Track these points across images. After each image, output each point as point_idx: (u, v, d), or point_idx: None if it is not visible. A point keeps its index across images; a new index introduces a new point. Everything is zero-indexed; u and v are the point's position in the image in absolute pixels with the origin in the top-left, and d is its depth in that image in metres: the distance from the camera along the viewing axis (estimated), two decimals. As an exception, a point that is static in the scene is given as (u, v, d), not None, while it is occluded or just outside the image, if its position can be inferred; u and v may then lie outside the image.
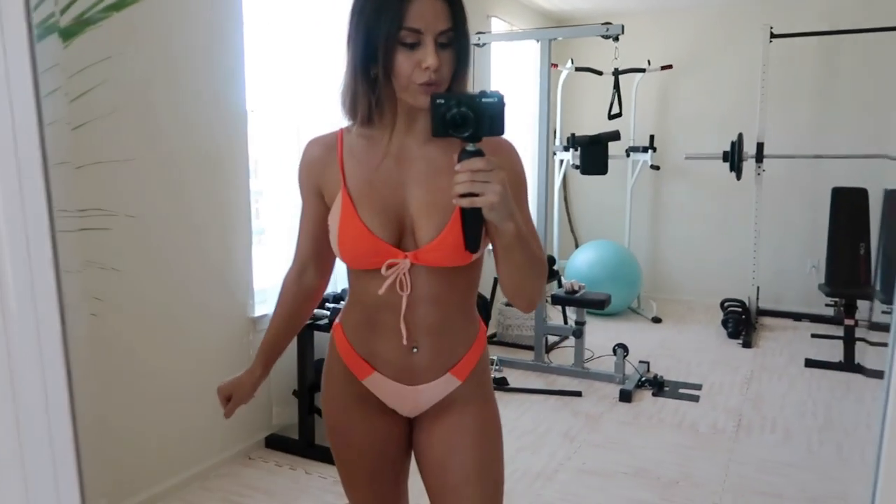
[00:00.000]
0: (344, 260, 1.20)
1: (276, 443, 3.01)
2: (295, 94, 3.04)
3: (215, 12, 2.68)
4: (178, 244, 2.62)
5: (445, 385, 1.27)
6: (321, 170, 1.22)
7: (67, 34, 1.32)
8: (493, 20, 4.89)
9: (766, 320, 5.21)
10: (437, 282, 1.19)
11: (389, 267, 1.16)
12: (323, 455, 2.87)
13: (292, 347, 3.00)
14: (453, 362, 1.26)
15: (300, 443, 2.95)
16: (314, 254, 1.32)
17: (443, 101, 1.03)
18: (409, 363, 1.24)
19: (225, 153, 2.79)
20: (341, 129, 1.24)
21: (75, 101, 1.61)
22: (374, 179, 1.18)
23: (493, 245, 1.15)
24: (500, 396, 3.90)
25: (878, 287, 4.32)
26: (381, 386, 1.27)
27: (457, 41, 1.12)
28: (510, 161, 1.19)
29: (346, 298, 1.31)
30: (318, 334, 2.97)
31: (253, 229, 2.97)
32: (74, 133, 1.64)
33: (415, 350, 1.22)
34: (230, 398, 1.42)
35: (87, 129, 1.74)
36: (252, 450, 2.98)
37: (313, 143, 1.25)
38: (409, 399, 1.28)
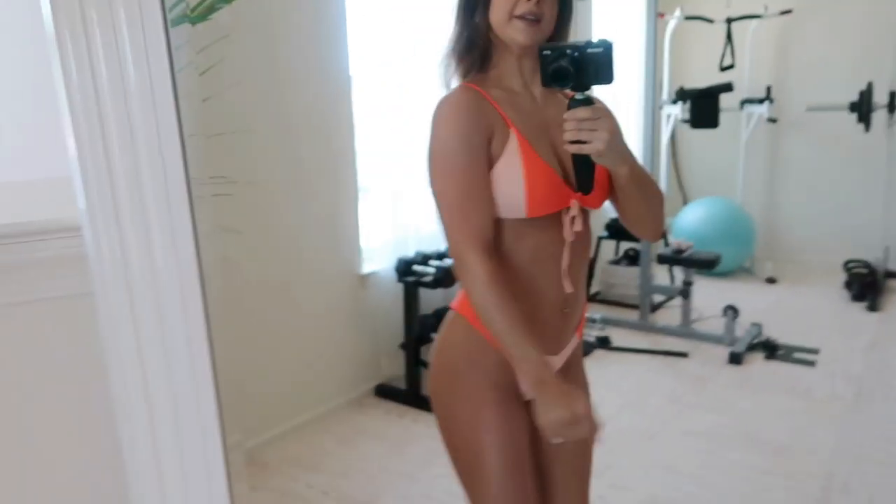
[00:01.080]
0: (530, 205, 1.10)
1: (385, 392, 3.17)
2: (397, 60, 3.09)
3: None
4: (292, 206, 2.78)
5: (573, 346, 1.27)
6: (488, 119, 1.11)
7: (194, 20, 1.43)
8: (597, -30, 4.71)
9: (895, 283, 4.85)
10: (585, 229, 1.19)
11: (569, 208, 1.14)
12: (429, 405, 2.97)
13: (398, 302, 3.13)
14: (580, 319, 1.27)
15: (408, 393, 3.09)
16: (485, 226, 1.11)
17: (549, 53, 1.04)
18: (561, 327, 1.21)
19: (331, 117, 2.90)
20: (469, 83, 1.15)
21: (201, 77, 1.73)
22: (530, 124, 1.14)
23: (612, 186, 1.16)
24: (602, 355, 3.91)
25: None
26: None
27: None
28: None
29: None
30: (422, 290, 3.08)
31: (359, 185, 3.10)
32: (203, 105, 1.78)
33: (566, 311, 1.20)
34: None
35: (208, 103, 1.88)
36: (363, 397, 3.16)
37: (465, 94, 1.12)
38: (555, 369, 1.17)
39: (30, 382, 1.05)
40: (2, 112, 1.40)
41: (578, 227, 1.15)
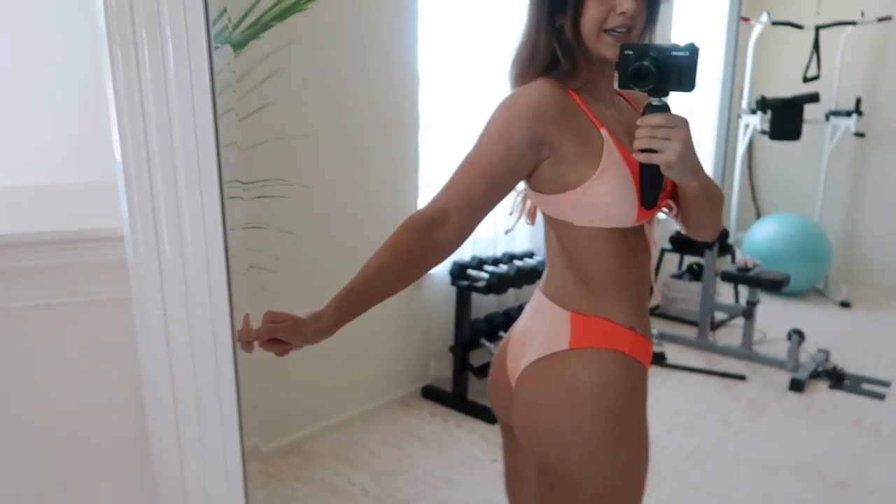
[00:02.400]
0: (640, 210, 1.08)
1: (431, 394, 3.20)
2: (467, 61, 3.09)
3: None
4: (351, 207, 2.83)
5: None
6: (558, 119, 1.06)
7: (237, 46, 1.48)
8: (680, -28, 4.57)
9: None
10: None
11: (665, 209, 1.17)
12: (473, 411, 3.01)
13: (450, 305, 3.14)
14: None
15: (454, 396, 3.11)
16: (474, 205, 1.09)
17: (631, 53, 1.01)
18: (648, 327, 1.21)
19: (396, 114, 2.94)
20: (554, 82, 1.10)
21: (263, 84, 1.78)
22: (617, 128, 1.11)
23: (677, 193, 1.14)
24: (656, 372, 3.81)
25: None
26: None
27: None
28: None
29: (579, 283, 1.14)
30: (475, 295, 3.08)
31: (420, 183, 3.12)
32: (262, 112, 1.83)
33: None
34: (274, 322, 1.08)
35: (270, 109, 1.93)
36: (410, 397, 3.20)
37: (542, 92, 1.08)
38: None
39: (67, 381, 1.12)
40: (53, 119, 1.49)
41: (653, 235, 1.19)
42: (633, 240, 1.14)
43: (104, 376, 1.11)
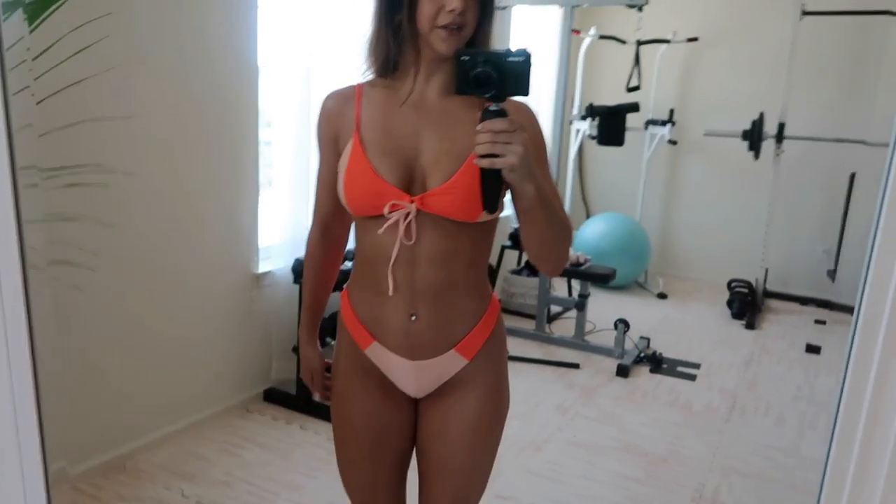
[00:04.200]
0: (349, 204, 1.18)
1: (274, 396, 3.08)
2: (308, 50, 3.01)
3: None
4: (182, 199, 2.64)
5: (449, 363, 1.23)
6: (339, 120, 1.21)
7: (32, 17, 1.33)
8: (517, -18, 4.78)
9: (773, 303, 5.19)
10: (443, 237, 1.16)
11: (392, 210, 1.14)
12: (318, 412, 2.93)
13: (293, 304, 3.05)
14: (458, 338, 1.22)
15: (297, 398, 3.01)
16: (335, 208, 1.27)
17: (468, 58, 1.02)
18: (409, 333, 1.20)
19: (234, 107, 2.78)
20: (360, 84, 1.23)
21: (74, 58, 1.61)
22: (388, 125, 1.17)
23: (515, 207, 1.12)
24: (499, 363, 3.95)
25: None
26: (382, 358, 1.24)
27: None
28: (531, 124, 1.18)
29: (353, 263, 1.28)
30: (319, 294, 3.00)
31: (261, 180, 2.99)
32: (74, 88, 1.65)
33: (413, 318, 1.19)
34: (313, 378, 1.43)
35: (85, 84, 1.74)
36: (251, 402, 3.05)
37: (331, 96, 1.24)
38: (411, 376, 1.24)
39: None
40: None
41: (412, 232, 1.14)
42: (376, 233, 1.17)
43: None
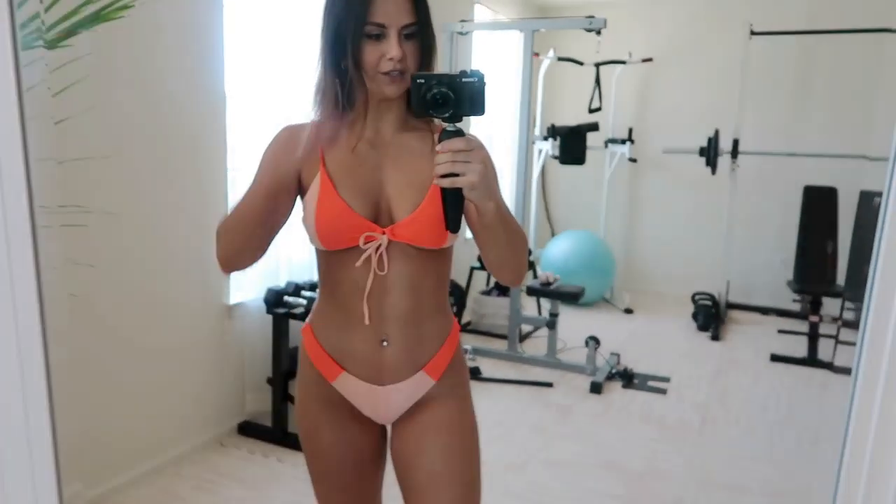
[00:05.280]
0: (321, 239, 1.18)
1: (249, 430, 3.02)
2: (273, 81, 3.00)
3: (195, 10, 2.64)
4: (154, 235, 2.60)
5: (418, 385, 1.26)
6: (294, 152, 1.20)
7: (51, 45, 1.30)
8: (477, 7, 4.86)
9: (735, 314, 5.32)
10: (411, 265, 1.20)
11: (367, 241, 1.17)
12: (296, 443, 2.88)
13: (266, 335, 3.00)
14: (426, 359, 1.26)
15: (273, 430, 2.96)
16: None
17: (423, 81, 1.04)
18: (380, 359, 1.23)
19: (203, 138, 2.76)
20: (314, 121, 1.23)
21: (55, 98, 1.58)
22: (350, 163, 1.20)
23: (472, 227, 1.16)
24: (472, 386, 3.93)
25: (843, 285, 4.43)
26: (351, 388, 1.26)
27: (420, 33, 1.16)
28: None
29: (318, 296, 1.30)
30: (293, 322, 2.97)
31: (229, 207, 2.94)
32: (57, 128, 1.61)
33: (384, 343, 1.22)
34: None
35: (64, 126, 1.71)
36: (225, 436, 2.99)
37: (289, 128, 1.24)
38: (382, 402, 1.26)
39: None
40: None
41: (385, 262, 1.18)
42: (349, 265, 1.20)
43: None
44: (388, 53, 1.12)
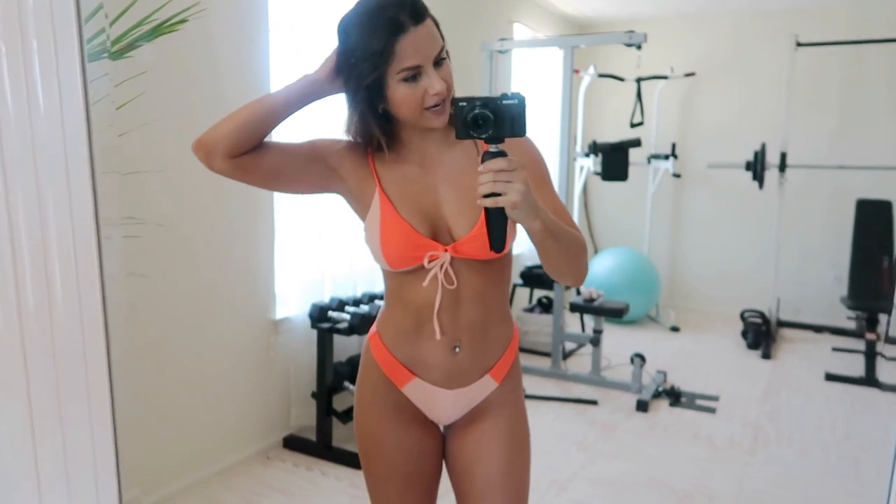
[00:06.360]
0: (387, 260, 1.21)
1: (293, 443, 3.05)
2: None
3: (243, 25, 2.74)
4: (203, 250, 2.68)
5: (482, 388, 1.30)
6: (356, 168, 1.23)
7: (115, 56, 1.37)
8: (516, 25, 4.90)
9: (787, 332, 5.16)
10: (477, 276, 1.24)
11: (431, 260, 1.20)
12: (339, 458, 2.91)
13: (311, 349, 3.04)
14: (491, 363, 1.30)
15: (317, 444, 2.99)
16: (260, 151, 1.19)
17: (465, 104, 1.06)
18: (451, 364, 1.27)
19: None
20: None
21: (115, 113, 1.65)
22: (404, 185, 1.23)
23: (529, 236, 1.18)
24: (515, 402, 3.91)
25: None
26: (421, 392, 1.29)
27: (445, 52, 1.17)
28: (529, 155, 1.24)
29: (384, 306, 1.32)
30: (337, 337, 3.01)
31: (276, 224, 3.01)
32: (114, 143, 1.68)
33: (457, 350, 1.26)
34: None
35: (123, 140, 1.79)
36: (270, 449, 3.03)
37: (351, 143, 1.24)
38: (448, 404, 1.30)
39: None
40: None
41: (452, 277, 1.22)
42: (419, 284, 1.22)
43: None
44: (430, 89, 1.12)
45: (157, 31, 1.34)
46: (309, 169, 1.23)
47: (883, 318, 4.29)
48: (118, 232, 1.63)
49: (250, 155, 1.18)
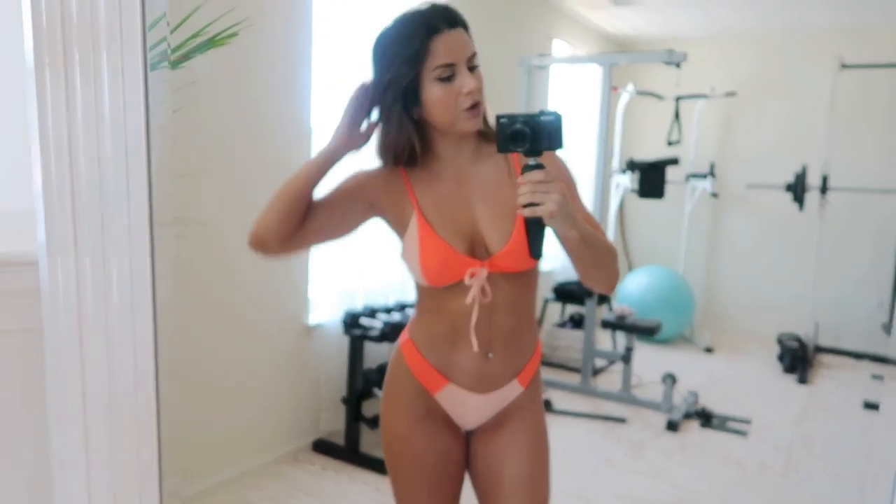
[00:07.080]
0: (427, 278, 1.26)
1: (322, 447, 3.10)
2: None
3: (287, 36, 2.83)
4: (240, 255, 2.73)
5: (510, 391, 1.34)
6: (389, 194, 1.27)
7: (174, 65, 1.45)
8: (555, 41, 4.94)
9: (825, 357, 5.05)
10: (510, 286, 1.28)
11: (472, 276, 1.24)
12: (367, 463, 2.95)
13: (342, 356, 3.10)
14: (520, 368, 1.34)
15: (346, 449, 3.03)
16: (303, 223, 1.25)
17: (506, 120, 1.12)
18: (485, 370, 1.31)
19: (288, 166, 2.90)
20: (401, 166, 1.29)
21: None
22: (440, 202, 1.27)
23: (563, 245, 1.22)
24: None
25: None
26: (453, 397, 1.33)
27: (477, 61, 1.21)
28: (557, 169, 1.28)
29: (417, 314, 1.36)
30: (367, 344, 3.06)
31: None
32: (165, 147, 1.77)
33: (490, 356, 1.30)
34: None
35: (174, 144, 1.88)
36: (300, 452, 3.08)
37: (382, 168, 1.29)
38: (477, 409, 1.34)
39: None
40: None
41: (488, 291, 1.25)
42: (446, 296, 1.27)
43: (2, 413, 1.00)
44: (464, 88, 1.17)
45: (211, 43, 1.42)
46: (349, 213, 1.28)
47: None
48: (168, 232, 1.71)
49: (297, 231, 1.25)
